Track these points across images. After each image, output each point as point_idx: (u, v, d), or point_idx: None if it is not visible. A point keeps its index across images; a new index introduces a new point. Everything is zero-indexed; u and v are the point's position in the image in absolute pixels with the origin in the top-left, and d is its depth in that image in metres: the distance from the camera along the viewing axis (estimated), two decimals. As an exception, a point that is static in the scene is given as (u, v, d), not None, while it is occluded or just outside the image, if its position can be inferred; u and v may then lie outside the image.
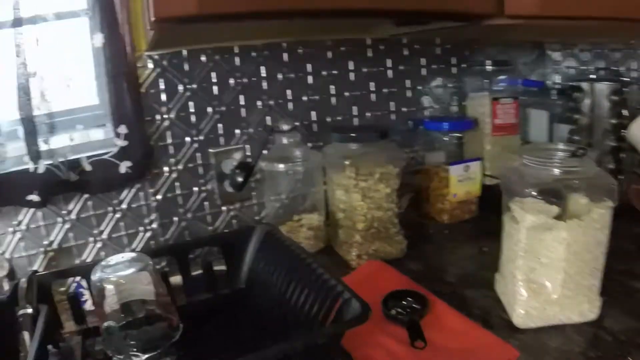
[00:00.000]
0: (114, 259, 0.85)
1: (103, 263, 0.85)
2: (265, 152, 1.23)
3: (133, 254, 0.87)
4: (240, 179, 1.19)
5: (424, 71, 1.48)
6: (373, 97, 1.42)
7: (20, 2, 1.06)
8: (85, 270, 0.88)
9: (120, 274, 0.81)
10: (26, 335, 0.79)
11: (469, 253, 1.18)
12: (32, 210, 1.16)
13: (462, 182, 1.35)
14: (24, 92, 1.08)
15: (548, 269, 0.85)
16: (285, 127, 1.17)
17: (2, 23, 1.09)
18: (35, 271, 0.92)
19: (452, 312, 0.90)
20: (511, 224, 0.89)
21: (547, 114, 1.51)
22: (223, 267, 1.03)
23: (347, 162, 1.13)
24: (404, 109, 1.47)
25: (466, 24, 1.02)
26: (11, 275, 1.17)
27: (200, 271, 1.01)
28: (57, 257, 1.19)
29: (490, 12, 0.94)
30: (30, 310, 0.81)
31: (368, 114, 1.42)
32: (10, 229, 1.15)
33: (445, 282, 1.06)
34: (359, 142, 1.16)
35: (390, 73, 1.43)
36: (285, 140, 1.18)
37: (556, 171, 0.83)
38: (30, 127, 1.10)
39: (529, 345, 0.80)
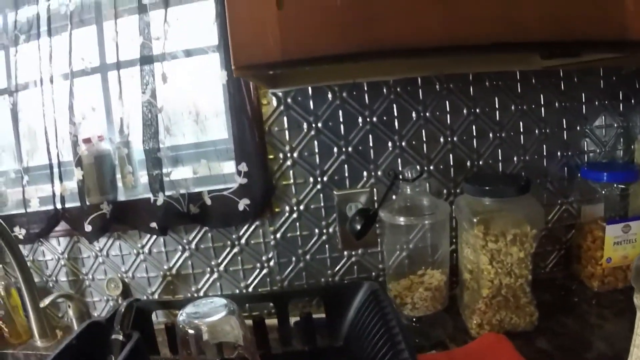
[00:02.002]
0: (203, 301, 0.84)
1: (194, 304, 0.83)
2: (393, 197, 1.13)
3: (222, 299, 0.85)
4: (358, 227, 1.10)
5: (584, 108, 1.27)
6: (522, 138, 1.24)
7: (153, 40, 1.08)
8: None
9: (211, 318, 0.80)
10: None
11: (618, 331, 0.98)
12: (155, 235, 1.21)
13: (619, 245, 1.15)
14: (149, 127, 1.12)
15: None
16: (411, 173, 1.06)
17: (132, 61, 1.13)
18: (137, 299, 0.96)
19: None
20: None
21: None
22: (323, 321, 0.99)
23: (475, 220, 1.00)
24: (559, 153, 1.28)
25: (624, 55, 0.84)
26: (126, 294, 1.25)
27: (298, 321, 0.98)
28: (174, 282, 1.24)
29: None
30: (120, 337, 0.85)
31: (515, 159, 1.25)
32: (135, 251, 1.23)
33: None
34: (493, 196, 1.02)
35: (543, 110, 1.25)
36: (409, 190, 1.07)
37: None
38: (154, 159, 1.15)
39: None
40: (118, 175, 1.24)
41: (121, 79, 1.17)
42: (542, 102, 1.23)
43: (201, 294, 1.24)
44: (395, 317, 0.84)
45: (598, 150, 1.28)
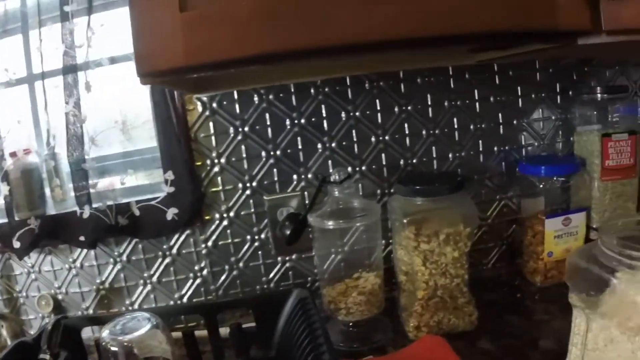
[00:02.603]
0: (126, 317, 0.82)
1: (116, 321, 0.82)
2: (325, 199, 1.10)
3: (145, 314, 0.83)
4: (288, 232, 1.08)
5: (520, 101, 1.25)
6: (457, 135, 1.22)
7: (76, 48, 1.05)
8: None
9: (135, 334, 0.78)
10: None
11: (564, 327, 0.92)
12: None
13: (560, 239, 1.13)
14: (74, 138, 1.09)
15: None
16: (339, 176, 1.03)
17: (57, 70, 1.10)
18: (65, 316, 0.93)
19: None
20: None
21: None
22: (254, 331, 0.97)
23: (405, 221, 0.98)
24: (496, 148, 1.25)
25: (556, 45, 0.82)
26: (58, 311, 1.20)
27: (228, 333, 0.95)
28: (108, 296, 1.20)
29: (583, 28, 0.75)
30: (47, 357, 0.82)
31: (450, 156, 1.23)
32: (67, 266, 1.19)
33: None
34: (425, 196, 1.00)
35: (478, 106, 1.22)
36: (337, 193, 1.04)
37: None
38: (79, 171, 1.11)
39: None
40: (48, 189, 1.20)
41: (46, 90, 1.13)
42: (477, 98, 1.22)
43: (136, 306, 1.20)
44: (322, 325, 0.82)
45: (536, 144, 1.27)
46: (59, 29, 1.08)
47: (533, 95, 1.25)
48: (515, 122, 1.25)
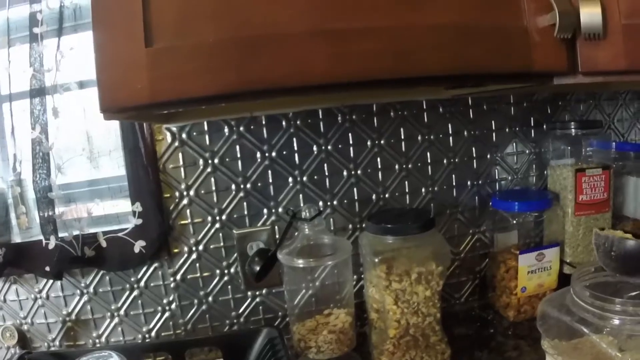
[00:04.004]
0: (93, 355, 0.82)
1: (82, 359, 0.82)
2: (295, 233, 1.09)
3: (112, 352, 0.82)
4: (257, 268, 1.06)
5: (494, 135, 1.25)
6: (430, 169, 1.21)
7: (45, 72, 1.03)
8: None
9: None
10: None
11: None
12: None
13: (533, 274, 1.12)
14: (40, 165, 1.06)
15: None
16: (309, 212, 1.02)
17: (24, 93, 1.07)
18: (29, 352, 0.94)
19: None
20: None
21: (648, 183, 1.20)
22: None
23: (376, 260, 0.97)
24: (469, 182, 1.25)
25: (532, 84, 0.82)
26: (23, 343, 1.17)
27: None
28: (75, 328, 1.17)
29: (559, 70, 0.75)
30: None
31: (423, 190, 1.22)
32: (32, 296, 1.16)
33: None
34: (395, 234, 0.99)
35: (451, 140, 1.22)
36: (307, 230, 1.03)
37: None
38: (45, 200, 1.09)
39: None
40: (13, 215, 1.17)
41: (13, 113, 1.10)
42: (451, 132, 1.21)
43: (103, 339, 1.18)
44: None
45: (510, 178, 1.26)
46: (27, 51, 1.06)
47: (507, 129, 1.25)
48: (488, 156, 1.24)
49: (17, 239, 1.16)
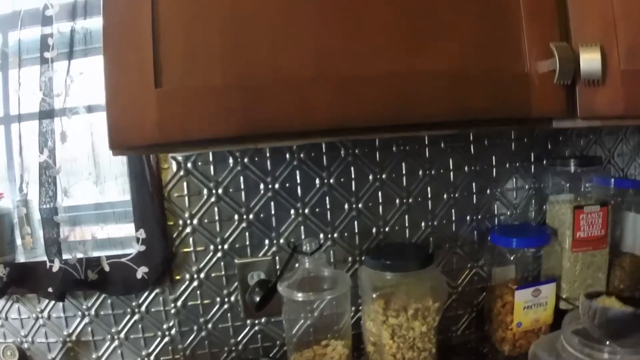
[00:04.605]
0: None
1: None
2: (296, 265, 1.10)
3: None
4: (257, 299, 1.07)
5: (494, 171, 1.26)
6: (430, 204, 1.23)
7: (54, 97, 1.05)
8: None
9: None
10: None
11: None
12: (53, 300, 1.16)
13: (529, 309, 1.13)
14: (47, 189, 1.09)
15: None
16: (310, 246, 1.03)
17: (33, 114, 1.09)
18: None
19: None
20: None
21: (647, 219, 1.21)
22: None
23: (374, 295, 0.98)
24: (469, 217, 1.26)
25: (530, 127, 0.84)
26: (23, 360, 1.17)
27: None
28: (75, 349, 1.19)
29: (557, 114, 0.77)
30: None
31: (422, 224, 1.24)
32: (34, 315, 1.17)
33: None
34: (394, 271, 1.00)
35: (452, 175, 1.24)
36: (308, 264, 1.04)
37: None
38: (50, 222, 1.10)
39: None
40: (18, 235, 1.19)
41: (22, 134, 1.12)
42: (451, 167, 1.23)
43: (102, 361, 1.19)
44: None
45: (509, 213, 1.28)
46: (37, 73, 1.08)
47: (507, 165, 1.26)
48: (488, 191, 1.26)
49: (21, 258, 1.18)
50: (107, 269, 1.14)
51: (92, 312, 1.17)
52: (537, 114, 0.77)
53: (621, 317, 0.70)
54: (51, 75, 1.08)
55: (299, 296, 1.00)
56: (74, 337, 1.19)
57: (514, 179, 1.27)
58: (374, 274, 1.03)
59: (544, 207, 1.29)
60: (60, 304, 1.17)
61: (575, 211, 1.16)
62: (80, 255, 1.12)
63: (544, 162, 1.29)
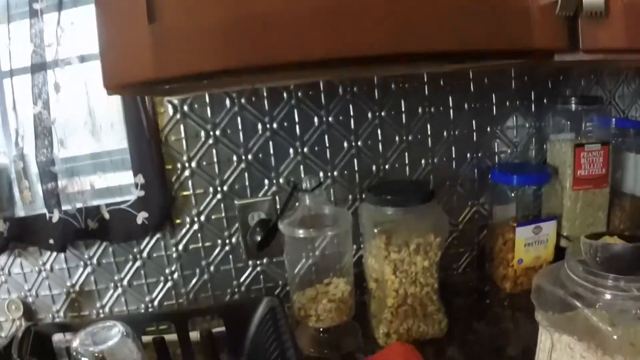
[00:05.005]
0: (98, 326, 0.81)
1: (86, 331, 0.80)
2: (296, 204, 1.09)
3: (116, 322, 0.82)
4: (258, 238, 1.07)
5: (494, 109, 1.25)
6: (430, 141, 1.22)
7: (45, 47, 1.03)
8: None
9: (106, 344, 0.77)
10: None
11: (531, 335, 0.89)
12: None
13: (530, 246, 1.13)
14: (43, 140, 1.07)
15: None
16: (309, 183, 1.03)
17: (26, 68, 1.07)
18: (34, 323, 0.95)
19: None
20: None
21: (647, 159, 1.21)
22: (224, 336, 0.99)
23: (376, 231, 0.98)
24: (469, 155, 1.25)
25: (532, 60, 0.82)
26: (28, 315, 1.19)
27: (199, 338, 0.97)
28: (79, 299, 1.19)
29: (559, 47, 0.74)
30: None
31: (423, 162, 1.23)
32: (37, 268, 1.17)
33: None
34: (395, 206, 1.00)
35: (452, 113, 1.22)
36: (308, 201, 1.03)
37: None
38: (48, 173, 1.09)
39: None
40: (16, 190, 1.18)
41: (14, 88, 1.10)
42: (451, 105, 1.22)
43: (106, 309, 1.20)
44: (290, 337, 0.84)
45: (509, 151, 1.27)
46: (27, 26, 1.05)
47: (507, 103, 1.25)
48: (488, 129, 1.25)
49: (21, 213, 1.17)
50: (107, 216, 1.13)
51: (94, 261, 1.17)
52: (539, 45, 0.74)
53: (623, 253, 0.69)
54: (41, 27, 1.06)
55: (300, 233, 1.00)
56: (77, 288, 1.19)
57: (514, 117, 1.26)
58: (375, 210, 1.02)
59: (545, 146, 1.28)
60: (62, 255, 1.17)
61: (575, 149, 1.16)
62: (79, 205, 1.11)
63: (545, 101, 1.27)
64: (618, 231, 1.12)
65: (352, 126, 1.18)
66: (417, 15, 0.70)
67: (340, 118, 1.17)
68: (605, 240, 0.72)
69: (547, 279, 0.77)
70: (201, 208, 1.16)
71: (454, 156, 1.24)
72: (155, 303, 1.20)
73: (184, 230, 1.17)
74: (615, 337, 0.63)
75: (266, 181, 1.17)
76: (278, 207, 1.17)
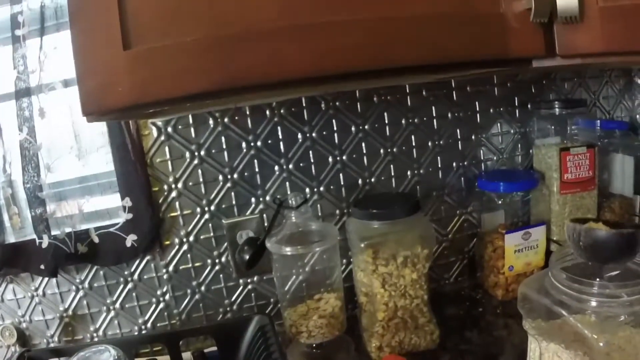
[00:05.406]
0: (91, 350, 0.83)
1: (80, 354, 0.82)
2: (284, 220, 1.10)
3: (107, 346, 0.83)
4: (247, 257, 1.07)
5: (478, 117, 1.25)
6: (415, 153, 1.23)
7: (29, 74, 1.04)
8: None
9: None
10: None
11: (522, 343, 0.89)
12: (47, 277, 1.16)
13: (520, 253, 1.14)
14: (29, 166, 1.08)
15: None
16: (295, 201, 1.03)
17: (6, 95, 1.08)
18: (28, 349, 0.95)
19: None
20: None
21: (633, 160, 1.23)
22: (217, 356, 0.99)
23: (362, 245, 0.98)
24: (455, 164, 1.26)
25: (510, 68, 0.83)
26: (22, 341, 1.19)
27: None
28: (72, 324, 1.19)
29: (536, 54, 0.75)
30: None
31: (409, 173, 1.23)
32: (29, 294, 1.17)
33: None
34: (381, 219, 1.00)
35: (435, 123, 1.23)
36: (294, 218, 1.04)
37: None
38: (36, 199, 1.10)
39: None
40: (6, 216, 1.18)
41: (0, 115, 1.11)
42: (435, 115, 1.22)
43: (100, 333, 1.20)
44: (280, 355, 0.85)
45: (495, 158, 1.27)
46: (10, 52, 1.06)
47: (491, 110, 1.26)
48: (473, 137, 1.25)
49: (11, 239, 1.18)
50: (96, 240, 1.14)
51: (86, 285, 1.17)
52: (515, 54, 0.75)
53: (606, 239, 0.70)
54: (24, 53, 1.06)
55: (287, 250, 1.00)
56: (70, 312, 1.19)
57: (499, 124, 1.27)
58: (361, 224, 1.02)
59: (531, 151, 1.28)
60: (54, 280, 1.17)
61: (561, 153, 1.16)
62: (68, 230, 1.12)
63: (529, 106, 1.28)
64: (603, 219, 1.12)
65: (337, 141, 1.18)
66: (395, 31, 0.70)
67: (324, 133, 1.17)
68: (590, 226, 0.72)
69: (532, 287, 0.77)
70: (189, 228, 1.16)
71: (440, 166, 1.25)
72: (149, 325, 1.20)
73: (173, 251, 1.17)
74: (601, 344, 0.64)
75: (253, 199, 1.17)
76: (266, 224, 1.17)
